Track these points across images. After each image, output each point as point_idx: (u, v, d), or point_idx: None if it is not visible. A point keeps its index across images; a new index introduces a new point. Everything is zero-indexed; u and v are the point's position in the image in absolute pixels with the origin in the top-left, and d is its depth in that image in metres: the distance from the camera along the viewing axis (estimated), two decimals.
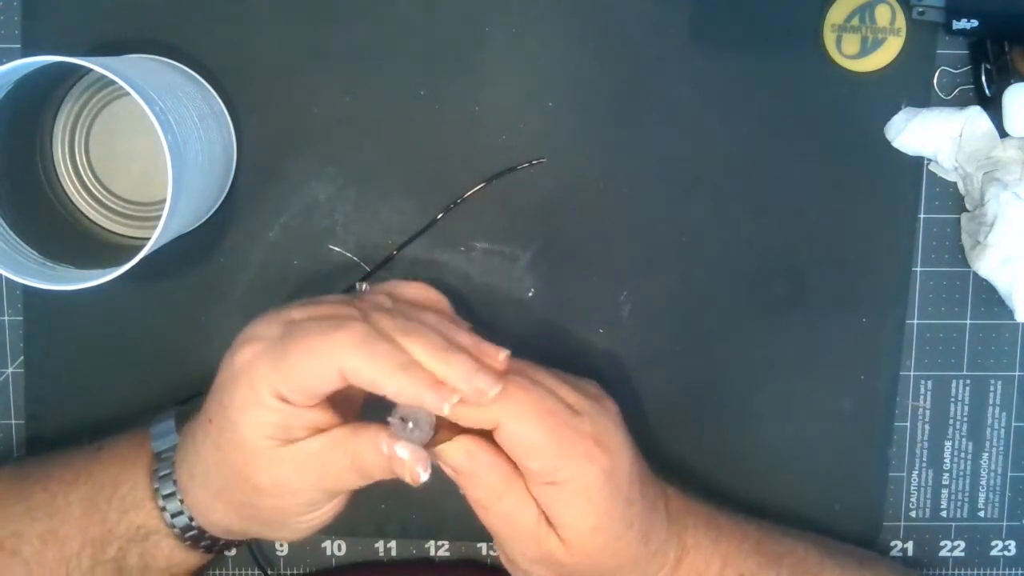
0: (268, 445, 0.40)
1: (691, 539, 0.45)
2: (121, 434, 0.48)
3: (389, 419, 0.40)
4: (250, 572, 0.54)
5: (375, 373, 0.38)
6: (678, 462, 0.53)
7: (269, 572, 0.53)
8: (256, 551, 0.53)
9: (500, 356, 0.41)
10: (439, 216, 0.51)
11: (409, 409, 0.40)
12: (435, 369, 0.39)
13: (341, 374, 0.38)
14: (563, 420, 0.41)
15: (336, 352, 0.38)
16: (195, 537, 0.45)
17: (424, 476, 0.39)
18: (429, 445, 0.40)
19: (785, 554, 0.48)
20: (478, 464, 0.40)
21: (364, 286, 0.46)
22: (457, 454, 0.40)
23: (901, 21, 0.50)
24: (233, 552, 0.54)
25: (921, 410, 0.53)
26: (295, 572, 0.54)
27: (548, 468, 0.40)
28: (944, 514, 0.54)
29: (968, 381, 0.53)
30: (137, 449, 0.46)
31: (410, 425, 0.40)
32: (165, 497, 0.44)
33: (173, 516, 0.44)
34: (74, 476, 0.46)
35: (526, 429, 0.40)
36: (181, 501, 0.44)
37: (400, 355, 0.39)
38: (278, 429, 0.40)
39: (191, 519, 0.44)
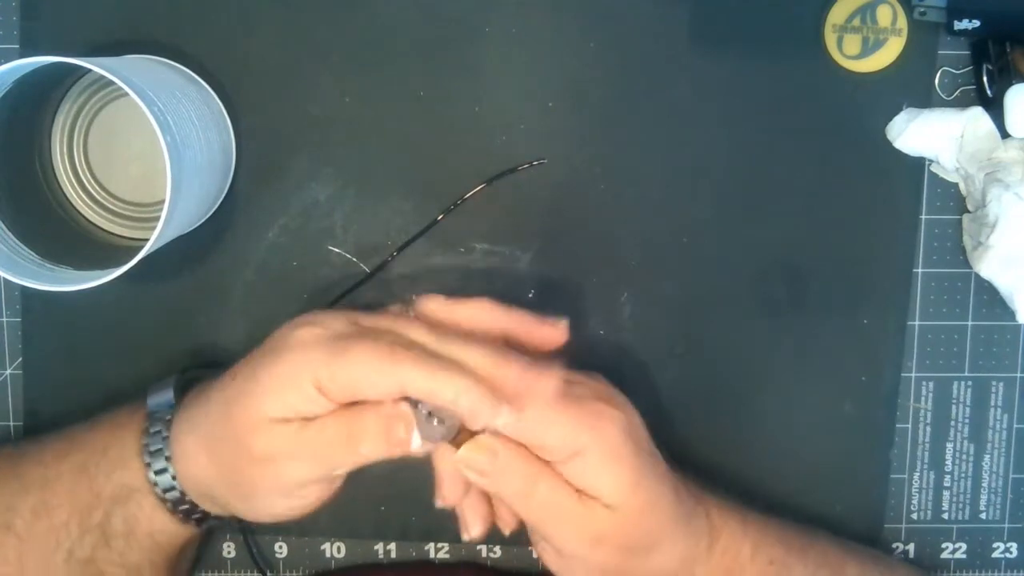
0: (275, 418, 0.41)
1: (719, 519, 0.46)
2: (117, 407, 0.48)
3: (417, 406, 0.40)
4: (250, 574, 0.54)
5: (438, 387, 0.39)
6: (678, 463, 0.53)
7: (269, 574, 0.53)
8: (255, 552, 0.53)
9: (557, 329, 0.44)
10: (439, 217, 0.51)
11: (439, 408, 0.40)
12: (493, 377, 0.40)
13: (398, 390, 0.39)
14: (560, 393, 0.41)
15: (398, 371, 0.39)
16: (176, 500, 0.45)
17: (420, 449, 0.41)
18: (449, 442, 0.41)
19: (807, 546, 0.48)
20: (505, 459, 0.41)
21: (414, 298, 0.46)
22: (482, 455, 0.41)
23: (902, 21, 0.50)
24: (233, 554, 0.54)
25: (922, 411, 0.53)
26: (294, 575, 0.54)
27: (567, 441, 0.41)
28: (945, 516, 0.54)
29: (969, 382, 0.53)
30: (131, 414, 0.46)
31: (435, 421, 0.40)
32: (152, 453, 0.44)
33: (157, 473, 0.44)
34: (67, 446, 0.46)
35: (531, 413, 0.40)
36: (167, 459, 0.44)
37: (458, 368, 0.40)
38: (295, 412, 0.40)
39: (174, 478, 0.44)
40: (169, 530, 0.46)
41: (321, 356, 0.40)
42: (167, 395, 0.47)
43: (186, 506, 0.45)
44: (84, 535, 0.45)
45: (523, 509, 0.42)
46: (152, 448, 0.45)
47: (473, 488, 0.43)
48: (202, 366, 0.50)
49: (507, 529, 0.44)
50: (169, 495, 0.45)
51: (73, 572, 0.45)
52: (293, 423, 0.41)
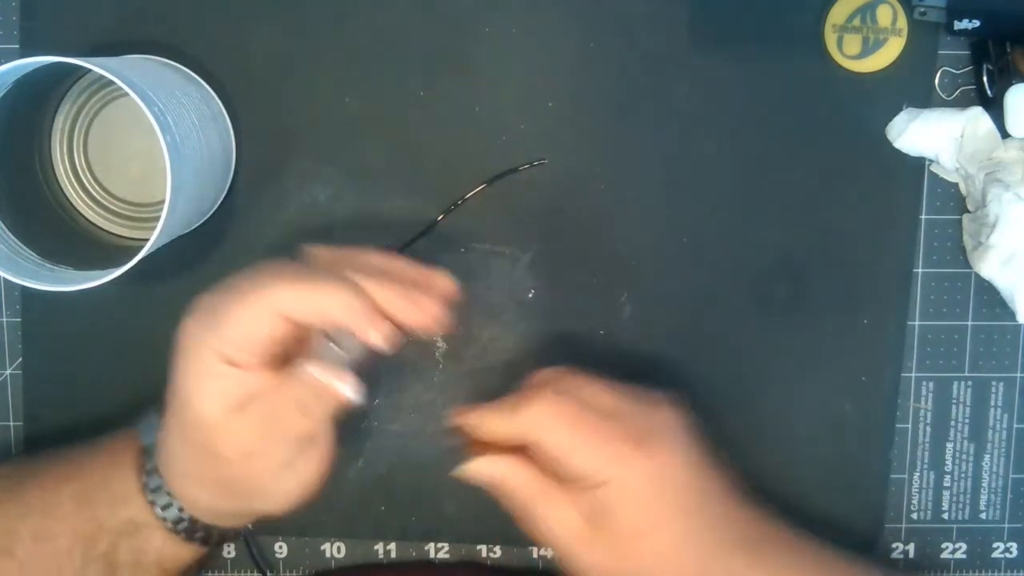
0: (222, 414, 0.40)
1: None
2: (114, 431, 0.48)
3: (314, 343, 0.40)
4: (250, 574, 0.54)
5: (312, 302, 0.39)
6: None
7: (269, 574, 0.53)
8: (255, 552, 0.53)
9: (443, 283, 0.43)
10: (439, 218, 0.51)
11: (336, 332, 0.40)
12: (373, 293, 0.40)
13: (279, 315, 0.39)
14: (593, 424, 0.42)
15: (269, 294, 0.39)
16: (188, 529, 0.45)
17: (349, 395, 0.40)
18: (469, 450, 0.43)
19: None
20: (504, 475, 0.42)
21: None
22: (484, 467, 0.42)
23: (902, 21, 0.50)
24: (233, 554, 0.54)
25: (922, 412, 0.53)
26: (294, 575, 0.54)
27: (588, 470, 0.41)
28: (945, 516, 0.54)
29: (969, 382, 0.53)
30: (126, 444, 0.46)
31: (332, 345, 0.40)
32: (153, 491, 0.44)
33: (163, 508, 0.44)
34: (67, 472, 0.46)
35: (555, 437, 0.41)
36: (169, 493, 0.44)
37: (335, 280, 0.39)
38: (229, 396, 0.40)
39: (181, 510, 0.44)
40: (179, 556, 0.46)
41: (205, 332, 0.40)
42: (155, 421, 0.45)
43: (201, 532, 0.45)
44: (88, 564, 0.44)
45: (522, 524, 0.43)
46: (152, 486, 0.44)
47: None
48: None
49: None
50: (181, 527, 0.45)
51: None
52: (244, 412, 0.40)
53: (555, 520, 0.42)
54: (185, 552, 0.46)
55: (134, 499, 0.44)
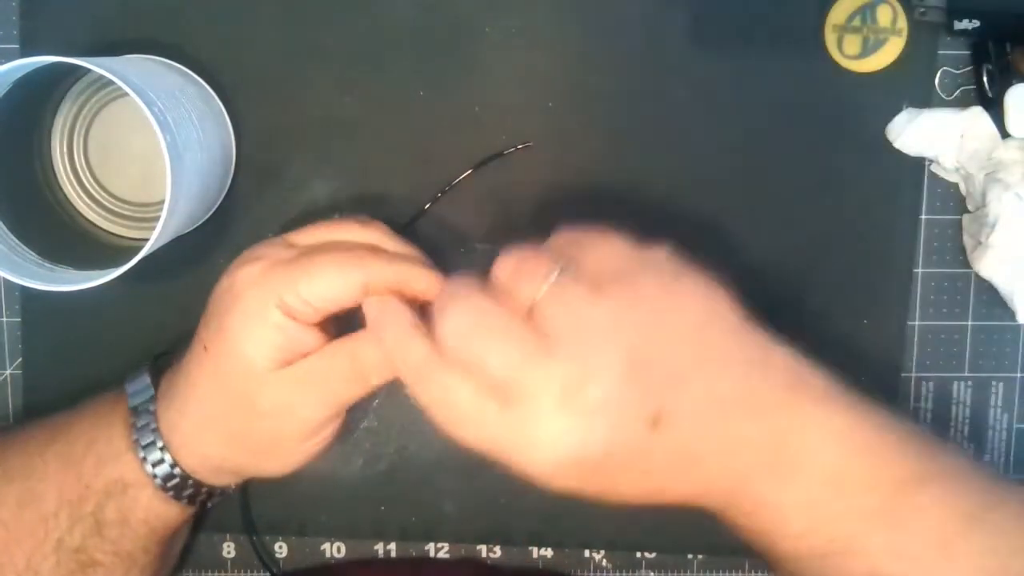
0: (269, 366, 0.41)
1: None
2: (97, 395, 0.48)
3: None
4: (250, 574, 0.54)
5: (405, 276, 0.41)
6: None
7: (274, 571, 0.53)
8: (260, 551, 0.53)
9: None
10: (426, 206, 0.51)
11: None
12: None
13: (363, 285, 0.41)
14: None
15: (364, 264, 0.41)
16: (177, 486, 0.45)
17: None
18: None
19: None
20: (389, 312, 0.40)
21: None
22: (371, 302, 0.41)
23: (902, 21, 0.50)
24: (233, 554, 0.54)
25: (922, 412, 0.53)
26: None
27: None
28: None
29: (969, 383, 0.53)
30: (112, 406, 0.46)
31: None
32: (145, 447, 0.44)
33: (154, 465, 0.44)
34: (50, 435, 0.46)
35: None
36: (162, 449, 0.44)
37: (412, 257, 0.43)
38: (280, 350, 0.41)
39: (173, 466, 0.44)
40: (167, 515, 0.46)
41: (278, 282, 0.41)
42: (144, 384, 0.46)
43: (190, 490, 0.45)
44: (74, 525, 0.45)
45: (414, 390, 0.40)
46: (144, 442, 0.44)
47: None
48: (169, 352, 0.49)
49: None
50: (171, 483, 0.45)
51: (63, 560, 0.45)
52: (291, 367, 0.41)
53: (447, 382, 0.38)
54: (172, 512, 0.46)
55: (122, 458, 0.45)
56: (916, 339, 0.53)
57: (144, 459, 0.44)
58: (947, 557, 0.36)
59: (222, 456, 0.44)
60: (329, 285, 0.41)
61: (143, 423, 0.45)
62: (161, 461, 0.44)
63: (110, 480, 0.45)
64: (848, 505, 0.37)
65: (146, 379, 0.46)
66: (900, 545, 0.36)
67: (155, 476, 0.44)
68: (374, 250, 0.43)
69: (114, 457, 0.45)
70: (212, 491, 0.47)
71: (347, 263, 0.41)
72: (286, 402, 0.42)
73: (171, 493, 0.45)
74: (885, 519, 0.36)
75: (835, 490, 0.37)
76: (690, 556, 0.54)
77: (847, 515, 0.37)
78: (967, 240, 0.52)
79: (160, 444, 0.44)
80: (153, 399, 0.45)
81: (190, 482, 0.45)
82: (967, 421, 0.53)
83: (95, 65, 0.41)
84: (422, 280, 0.42)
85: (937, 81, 0.51)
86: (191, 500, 0.46)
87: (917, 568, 0.36)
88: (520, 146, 0.51)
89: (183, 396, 0.44)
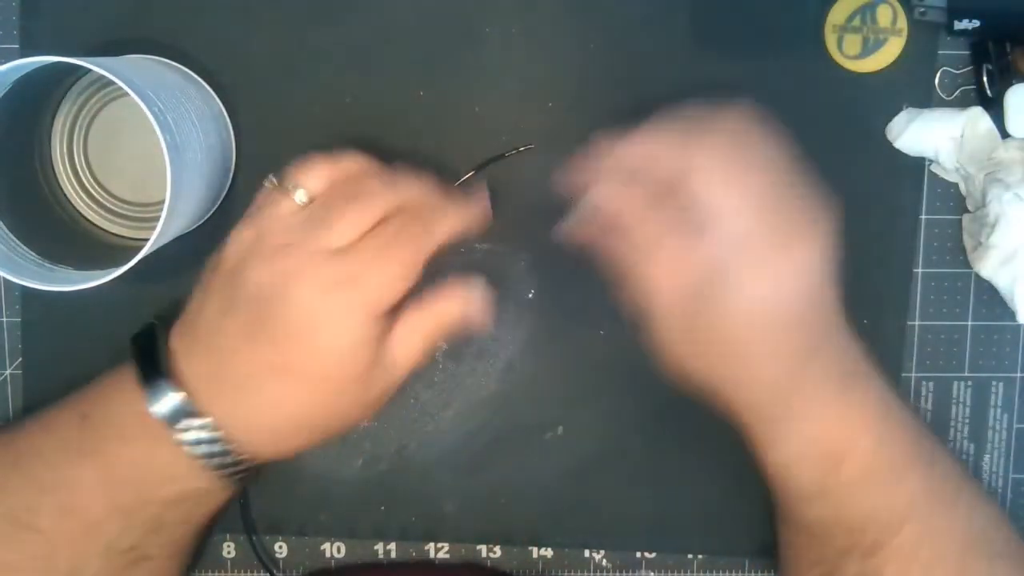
0: (375, 354, 0.42)
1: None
2: (99, 400, 0.45)
3: None
4: (250, 574, 0.54)
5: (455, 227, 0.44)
6: (679, 463, 0.53)
7: (275, 571, 0.53)
8: (260, 552, 0.53)
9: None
10: None
11: None
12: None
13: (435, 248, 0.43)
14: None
15: (421, 252, 0.42)
16: (244, 479, 0.45)
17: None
18: None
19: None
20: (631, 203, 0.42)
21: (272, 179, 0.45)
22: (608, 192, 0.43)
23: (902, 21, 0.50)
24: (233, 554, 0.54)
25: (922, 412, 0.53)
26: (294, 575, 0.54)
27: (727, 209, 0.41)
28: None
29: (969, 383, 0.53)
30: (143, 424, 0.43)
31: None
32: (208, 456, 0.43)
33: (218, 463, 0.43)
34: (77, 453, 0.44)
35: (715, 171, 0.41)
36: (220, 440, 0.42)
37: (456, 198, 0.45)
38: (378, 336, 0.42)
39: (229, 452, 0.43)
40: (223, 501, 0.46)
41: (357, 292, 0.41)
42: (170, 396, 0.43)
43: (246, 474, 0.45)
44: (126, 530, 0.44)
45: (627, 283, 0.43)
46: (204, 452, 0.42)
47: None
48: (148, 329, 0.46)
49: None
50: (238, 477, 0.44)
51: (112, 559, 0.44)
52: (397, 336, 0.43)
53: (669, 270, 0.41)
54: (228, 495, 0.46)
55: (183, 475, 0.43)
56: (916, 339, 0.53)
57: (208, 464, 0.43)
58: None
59: (290, 438, 0.44)
60: (406, 283, 0.42)
61: (197, 438, 0.42)
62: (226, 452, 0.43)
63: (174, 492, 0.43)
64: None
65: (163, 383, 0.43)
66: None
67: (223, 468, 0.43)
68: (404, 210, 0.43)
69: (174, 478, 0.43)
70: (258, 472, 0.46)
71: (413, 249, 0.42)
72: (396, 363, 0.43)
73: (228, 478, 0.44)
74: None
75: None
76: (690, 556, 0.54)
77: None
78: (967, 240, 0.52)
79: (219, 433, 0.42)
80: (194, 412, 0.42)
81: (255, 466, 0.44)
82: (967, 421, 0.53)
83: (95, 65, 0.41)
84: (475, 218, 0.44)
85: (937, 81, 0.51)
86: (244, 480, 0.45)
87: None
88: (522, 148, 0.51)
89: (260, 409, 0.43)
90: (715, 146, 0.42)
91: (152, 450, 0.43)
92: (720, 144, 0.42)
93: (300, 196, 0.43)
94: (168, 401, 0.43)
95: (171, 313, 0.46)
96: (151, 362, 0.44)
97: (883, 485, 0.43)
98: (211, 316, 0.43)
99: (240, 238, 0.43)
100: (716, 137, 0.42)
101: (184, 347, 0.44)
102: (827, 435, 0.43)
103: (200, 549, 0.52)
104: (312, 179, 0.43)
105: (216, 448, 0.43)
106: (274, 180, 0.44)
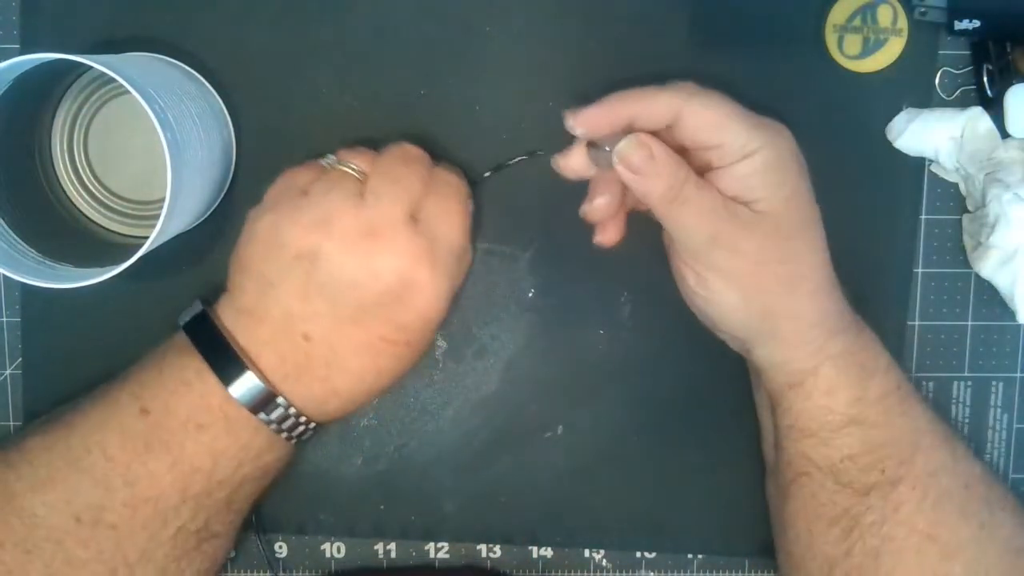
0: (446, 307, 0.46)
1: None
2: (159, 391, 0.45)
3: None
4: (250, 574, 0.54)
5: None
6: (678, 462, 0.53)
7: (275, 571, 0.53)
8: (264, 551, 0.52)
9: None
10: None
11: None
12: None
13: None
14: (736, 105, 0.43)
15: (468, 216, 0.47)
16: (311, 436, 0.47)
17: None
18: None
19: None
20: (661, 158, 0.42)
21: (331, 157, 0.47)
22: (640, 151, 0.42)
23: (903, 21, 0.50)
24: (233, 554, 0.53)
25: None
26: (294, 575, 0.54)
27: (741, 139, 0.42)
28: None
29: (969, 383, 0.53)
30: (207, 408, 0.44)
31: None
32: (289, 430, 0.45)
33: (297, 438, 0.46)
34: (144, 448, 0.44)
35: (712, 107, 0.42)
36: (296, 414, 0.45)
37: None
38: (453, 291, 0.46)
39: (308, 422, 0.45)
40: (288, 460, 0.48)
41: (447, 274, 0.45)
42: (248, 381, 0.43)
43: (314, 435, 0.47)
44: (199, 512, 0.44)
45: (666, 212, 0.42)
46: (291, 429, 0.45)
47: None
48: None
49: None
50: (307, 439, 0.47)
51: (180, 542, 0.45)
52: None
53: (701, 193, 0.42)
54: (291, 460, 0.48)
55: (264, 454, 0.45)
56: (916, 339, 0.53)
57: (290, 439, 0.46)
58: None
59: (366, 395, 0.46)
60: (468, 230, 0.46)
61: (284, 421, 0.45)
62: (300, 424, 0.45)
63: (254, 468, 0.45)
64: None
65: (250, 375, 0.43)
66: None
67: (291, 438, 0.46)
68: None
69: (252, 458, 0.45)
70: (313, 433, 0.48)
71: (464, 211, 0.46)
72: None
73: (295, 442, 0.46)
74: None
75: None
76: (690, 556, 0.54)
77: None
78: (967, 240, 0.52)
79: (292, 412, 0.45)
80: (274, 404, 0.44)
81: (310, 427, 0.46)
82: (967, 421, 0.53)
83: (95, 62, 0.41)
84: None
85: (937, 81, 0.51)
86: (308, 441, 0.48)
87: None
88: (539, 152, 0.51)
89: (356, 376, 0.45)
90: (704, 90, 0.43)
91: (227, 435, 0.44)
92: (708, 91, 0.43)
93: (356, 174, 0.45)
94: (247, 387, 0.43)
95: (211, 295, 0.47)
96: (215, 348, 0.44)
97: (899, 405, 0.46)
98: (285, 299, 0.44)
99: (303, 220, 0.43)
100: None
101: (248, 328, 0.44)
102: (861, 350, 0.46)
103: None
104: (360, 160, 0.45)
105: (293, 422, 0.45)
106: (332, 160, 0.46)
